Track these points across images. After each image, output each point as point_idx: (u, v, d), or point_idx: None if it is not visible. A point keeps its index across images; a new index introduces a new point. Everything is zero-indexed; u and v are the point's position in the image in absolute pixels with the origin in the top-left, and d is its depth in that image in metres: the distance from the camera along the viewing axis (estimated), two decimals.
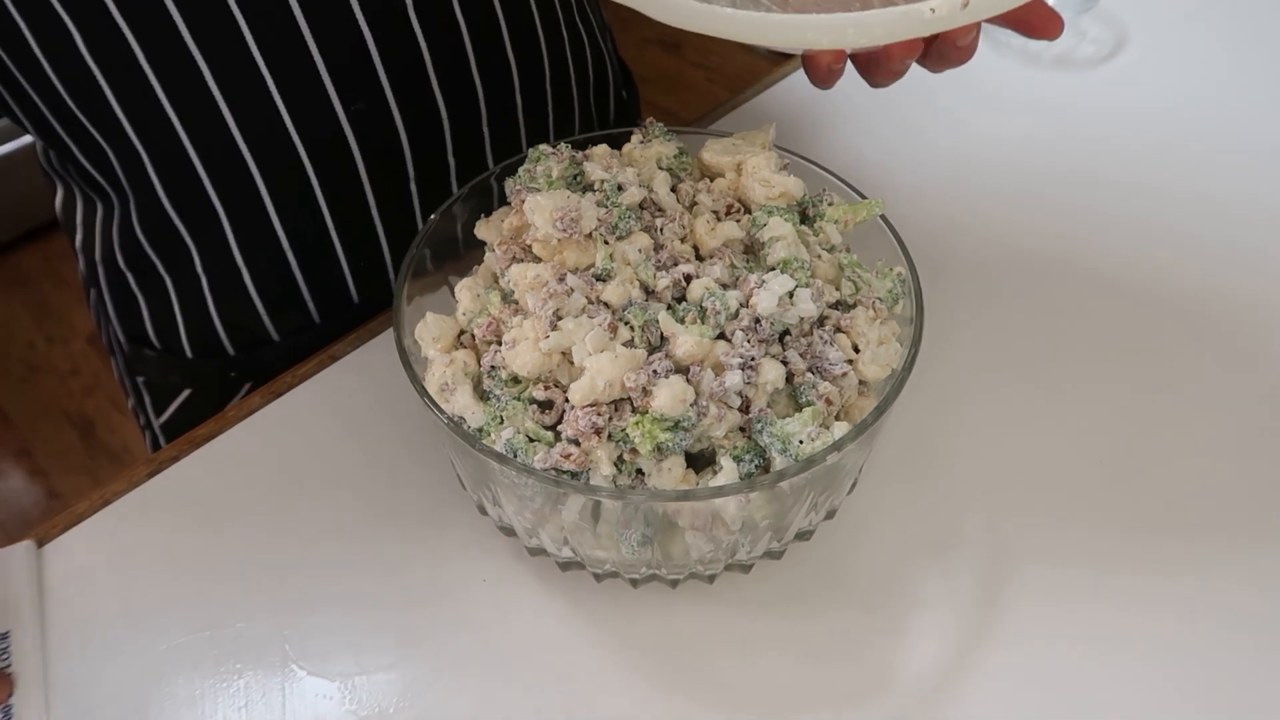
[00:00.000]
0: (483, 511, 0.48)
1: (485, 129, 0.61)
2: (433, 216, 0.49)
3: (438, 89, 0.57)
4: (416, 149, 0.58)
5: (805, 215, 0.49)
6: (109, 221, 0.60)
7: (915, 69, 0.43)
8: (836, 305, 0.45)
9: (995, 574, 0.47)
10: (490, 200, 0.52)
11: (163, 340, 0.65)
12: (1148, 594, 0.46)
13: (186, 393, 0.66)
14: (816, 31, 0.35)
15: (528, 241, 0.44)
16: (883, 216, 0.48)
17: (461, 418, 0.42)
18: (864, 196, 0.49)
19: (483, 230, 0.51)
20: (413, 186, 0.60)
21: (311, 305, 0.63)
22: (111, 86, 0.50)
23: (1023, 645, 0.44)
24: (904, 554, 0.48)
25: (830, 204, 0.49)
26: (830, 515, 0.47)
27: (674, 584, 0.46)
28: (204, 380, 0.66)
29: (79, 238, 0.64)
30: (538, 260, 0.45)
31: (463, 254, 0.52)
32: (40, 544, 0.50)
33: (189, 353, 0.65)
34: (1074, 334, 0.58)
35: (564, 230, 0.43)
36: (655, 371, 0.40)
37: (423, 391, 0.42)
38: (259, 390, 0.57)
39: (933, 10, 0.34)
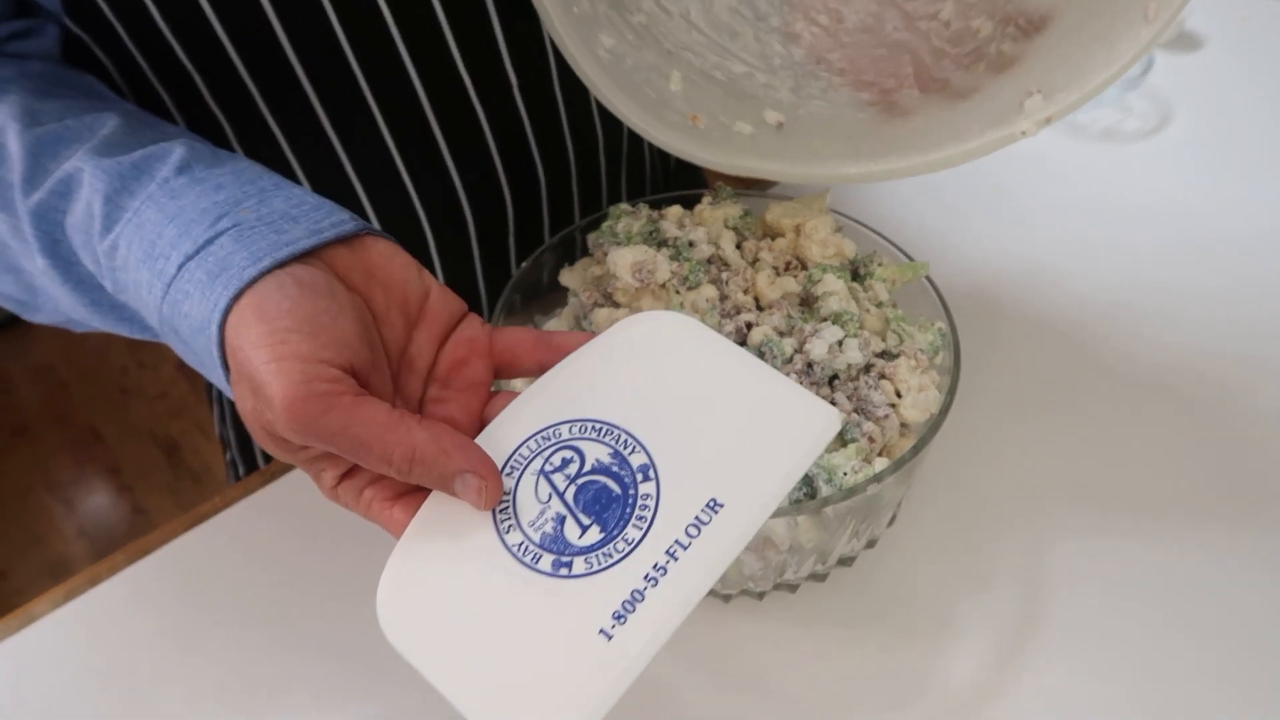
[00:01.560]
0: None
1: (574, 187, 0.67)
2: (524, 264, 0.56)
3: (538, 158, 0.63)
4: (517, 208, 0.65)
5: (857, 273, 0.54)
6: None
7: None
8: (882, 354, 0.51)
9: (1029, 602, 0.51)
10: (574, 251, 0.58)
11: None
12: (1185, 622, 0.50)
13: None
14: (928, 166, 0.42)
15: (609, 289, 0.51)
16: (927, 277, 0.53)
17: None
18: (911, 258, 0.54)
19: (567, 277, 0.57)
20: (511, 240, 0.67)
21: None
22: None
23: (1057, 670, 0.48)
24: (941, 582, 0.52)
25: (880, 264, 0.54)
26: (871, 544, 0.52)
27: (727, 599, 0.51)
28: None
29: None
30: (617, 305, 0.51)
31: (546, 296, 0.59)
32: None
33: None
34: (1108, 383, 0.62)
35: (641, 280, 0.49)
36: None
37: None
38: None
39: (1024, 132, 0.40)
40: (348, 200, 0.59)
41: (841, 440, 0.47)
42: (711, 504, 0.33)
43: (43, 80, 0.45)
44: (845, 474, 0.45)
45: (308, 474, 0.37)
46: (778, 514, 0.44)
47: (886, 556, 0.53)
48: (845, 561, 0.52)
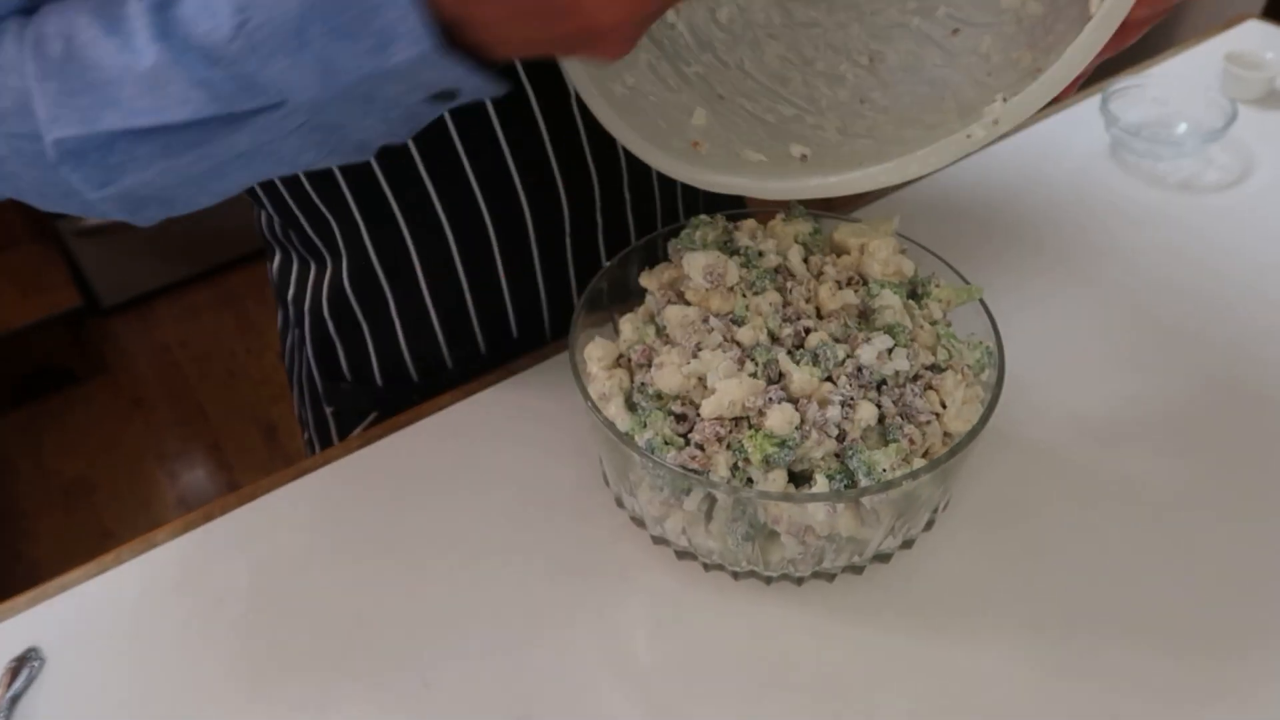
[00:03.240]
0: (619, 504, 0.58)
1: (627, 193, 0.73)
2: (610, 263, 0.61)
3: (593, 165, 0.69)
4: (574, 214, 0.71)
5: (915, 292, 0.58)
6: (320, 278, 0.74)
7: None
8: (931, 367, 0.54)
9: (1063, 615, 0.54)
10: (655, 255, 0.63)
11: (356, 373, 0.79)
12: (1212, 649, 0.52)
13: (374, 415, 0.80)
14: (886, 176, 0.44)
15: (682, 289, 0.56)
16: (982, 301, 0.57)
17: (612, 422, 0.53)
18: (968, 281, 0.58)
19: (646, 279, 0.62)
20: (568, 242, 0.72)
21: (480, 337, 0.76)
22: (349, 184, 0.65)
23: (1086, 687, 0.51)
24: (972, 589, 0.55)
25: (937, 285, 0.58)
26: (908, 544, 0.56)
27: (768, 581, 0.55)
28: (391, 403, 0.78)
29: (291, 293, 0.78)
30: (688, 305, 0.56)
31: (628, 299, 0.64)
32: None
33: (379, 380, 0.78)
34: (1159, 410, 0.64)
35: (711, 282, 0.54)
36: (770, 398, 0.50)
37: (586, 396, 0.53)
38: (448, 393, 0.70)
39: (969, 136, 0.42)
40: (423, 204, 0.66)
41: (884, 440, 0.51)
42: None
43: None
44: (884, 470, 0.49)
45: None
46: (818, 498, 0.48)
47: (923, 558, 0.57)
48: (882, 558, 0.55)
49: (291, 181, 0.66)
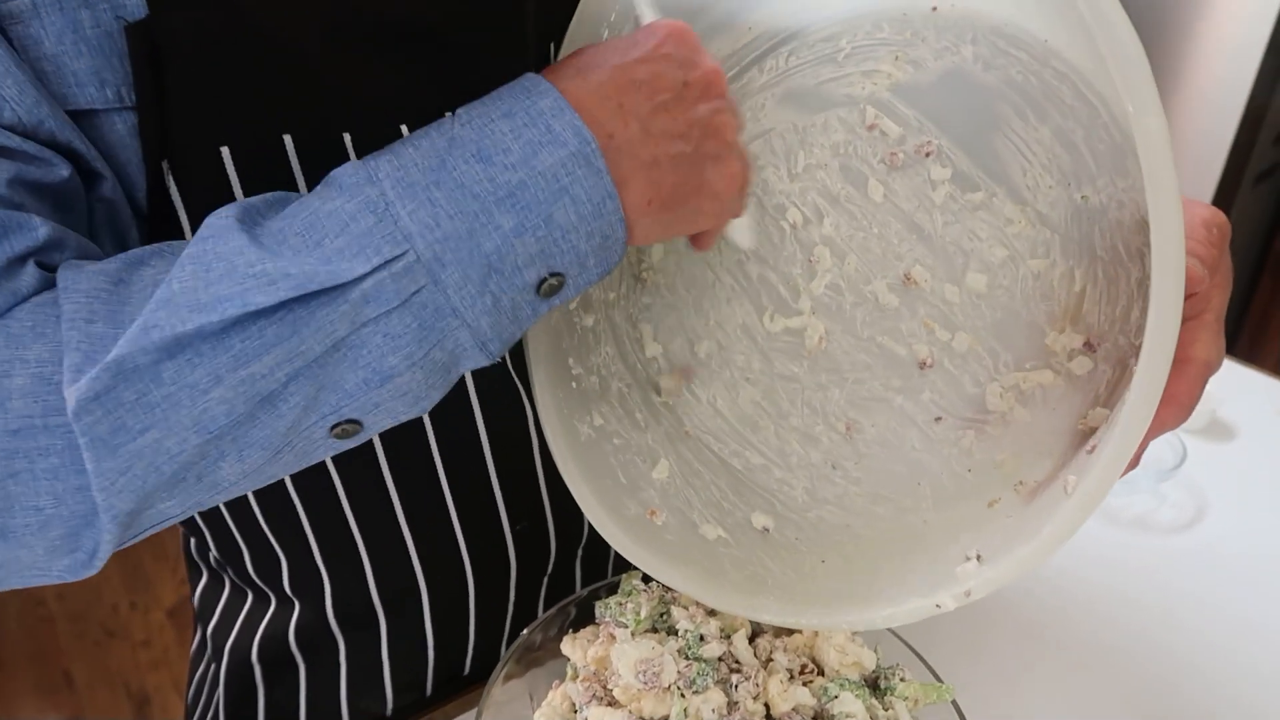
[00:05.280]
0: None
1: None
2: (525, 632, 0.53)
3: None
4: (559, 555, 0.64)
5: (876, 685, 0.51)
6: (256, 618, 0.63)
7: None
8: None
9: None
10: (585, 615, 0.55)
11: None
12: None
13: None
14: (841, 622, 0.44)
15: (609, 685, 0.47)
16: (954, 702, 0.49)
17: None
18: (938, 676, 0.51)
19: (568, 647, 0.54)
20: (545, 581, 0.65)
21: (430, 680, 0.66)
22: (309, 516, 0.56)
23: None
24: None
25: (902, 679, 0.50)
26: None
27: None
28: None
29: (213, 624, 0.67)
30: (616, 702, 0.48)
31: (546, 662, 0.55)
32: None
33: None
34: None
35: (645, 682, 0.46)
36: None
37: None
38: None
39: (937, 605, 0.41)
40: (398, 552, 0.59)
41: None
42: None
43: None
44: None
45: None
46: None
47: None
48: None
49: (244, 513, 0.57)
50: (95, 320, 0.34)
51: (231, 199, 0.44)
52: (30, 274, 0.36)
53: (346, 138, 0.45)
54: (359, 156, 0.42)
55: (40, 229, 0.36)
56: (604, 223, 0.37)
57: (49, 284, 0.36)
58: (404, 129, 0.45)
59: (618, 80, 0.38)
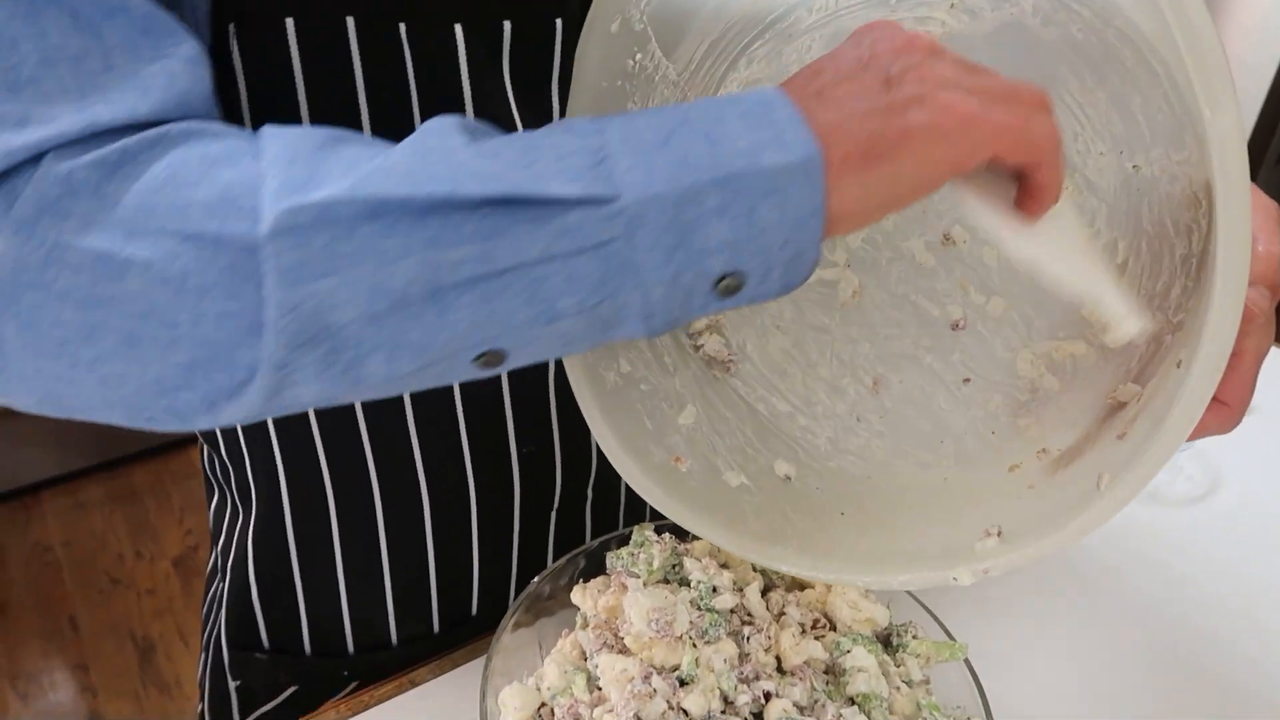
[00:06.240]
0: None
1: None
2: (534, 580, 0.53)
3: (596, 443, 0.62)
4: (566, 486, 0.64)
5: (888, 642, 0.50)
6: (258, 531, 0.64)
7: None
8: None
9: None
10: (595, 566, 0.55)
11: (277, 642, 0.68)
12: None
13: (291, 690, 0.68)
14: (854, 578, 0.44)
15: (621, 633, 0.47)
16: (966, 660, 0.49)
17: None
18: (950, 635, 0.50)
19: (578, 596, 0.54)
20: (553, 515, 0.65)
21: (436, 614, 0.66)
22: (320, 424, 0.57)
23: None
24: None
25: (915, 637, 0.50)
26: None
27: None
28: (315, 678, 0.68)
29: (221, 541, 0.68)
30: (627, 650, 0.47)
31: (556, 612, 0.55)
32: None
33: (308, 650, 0.67)
34: None
35: (657, 631, 0.46)
36: None
37: None
38: (336, 703, 0.59)
39: (955, 578, 0.41)
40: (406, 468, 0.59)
41: None
42: None
43: None
44: None
45: None
46: None
47: None
48: None
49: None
50: (297, 163, 0.34)
51: (290, 74, 0.46)
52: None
53: (402, 28, 0.46)
54: (413, 48, 0.46)
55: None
56: (803, 237, 0.36)
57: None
58: (458, 29, 0.47)
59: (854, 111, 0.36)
